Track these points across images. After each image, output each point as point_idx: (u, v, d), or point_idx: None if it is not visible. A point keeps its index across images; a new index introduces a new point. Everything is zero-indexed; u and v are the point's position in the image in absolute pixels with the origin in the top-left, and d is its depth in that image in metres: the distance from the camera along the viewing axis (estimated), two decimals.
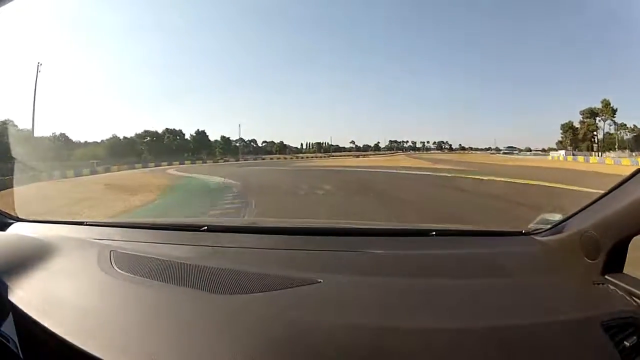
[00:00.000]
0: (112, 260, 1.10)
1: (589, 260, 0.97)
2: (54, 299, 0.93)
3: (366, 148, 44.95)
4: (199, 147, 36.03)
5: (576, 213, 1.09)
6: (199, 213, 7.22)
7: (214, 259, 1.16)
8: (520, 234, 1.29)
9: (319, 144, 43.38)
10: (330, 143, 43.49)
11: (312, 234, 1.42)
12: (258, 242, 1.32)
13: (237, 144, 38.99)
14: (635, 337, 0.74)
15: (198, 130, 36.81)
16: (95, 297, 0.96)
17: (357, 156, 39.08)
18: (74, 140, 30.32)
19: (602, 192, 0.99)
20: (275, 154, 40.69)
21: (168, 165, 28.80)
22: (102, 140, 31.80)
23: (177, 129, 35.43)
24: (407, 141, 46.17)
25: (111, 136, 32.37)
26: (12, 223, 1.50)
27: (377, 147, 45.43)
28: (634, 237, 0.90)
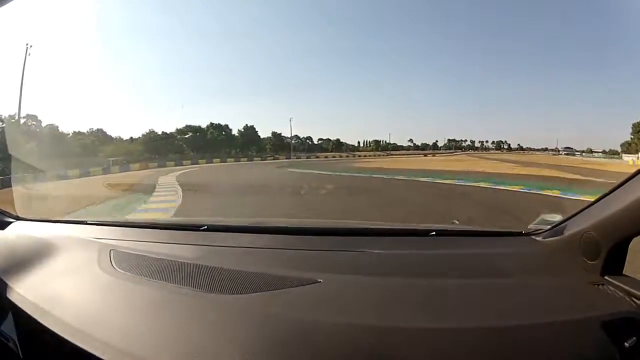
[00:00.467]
0: (112, 260, 1.10)
1: (588, 261, 0.97)
2: (54, 298, 0.93)
3: (424, 147, 43.97)
4: (247, 143, 34.00)
5: (576, 214, 1.09)
6: None
7: (214, 258, 1.16)
8: (520, 234, 1.29)
9: (377, 141, 41.99)
10: (388, 141, 42.19)
11: (312, 234, 1.42)
12: (258, 242, 1.32)
13: (291, 141, 36.79)
14: (635, 338, 0.74)
15: (246, 125, 34.34)
16: (95, 297, 0.95)
17: (425, 155, 37.60)
18: (113, 136, 29.28)
19: (603, 193, 0.99)
20: (331, 151, 39.09)
21: (207, 162, 27.61)
22: (138, 137, 29.83)
23: (223, 124, 33.15)
24: (466, 140, 45.40)
25: (148, 131, 30.31)
26: (12, 222, 1.50)
27: (435, 146, 44.53)
28: (634, 238, 0.90)
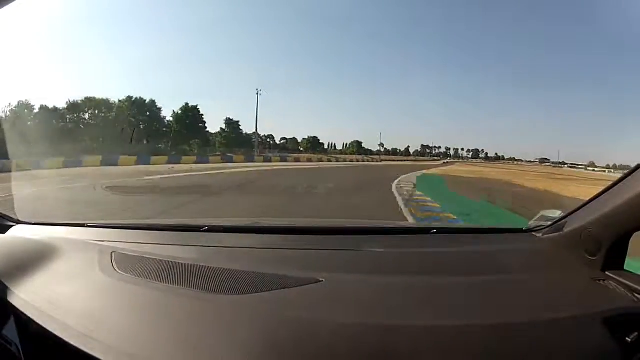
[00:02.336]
0: (114, 262, 1.10)
1: (589, 257, 0.97)
2: (55, 301, 0.93)
3: (395, 152, 42.55)
4: (186, 133, 24.45)
5: (576, 210, 1.09)
6: None
7: (215, 259, 1.16)
8: (520, 231, 1.29)
9: (359, 143, 39.82)
10: (361, 145, 40.12)
11: (313, 233, 1.42)
12: (259, 242, 1.32)
13: (257, 137, 29.01)
14: (636, 333, 0.74)
15: (187, 105, 23.80)
16: (97, 299, 0.95)
17: (416, 160, 36.98)
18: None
19: (603, 189, 0.99)
20: (304, 152, 34.83)
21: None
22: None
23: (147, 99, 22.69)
24: (439, 147, 44.41)
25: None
26: (13, 225, 1.50)
27: (407, 152, 43.29)
28: (635, 234, 0.90)
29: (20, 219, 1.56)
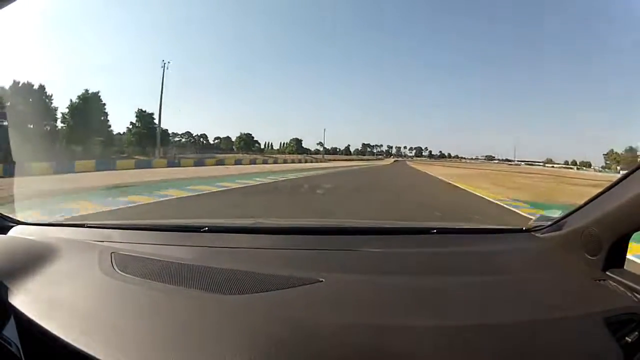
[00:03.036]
0: (114, 262, 1.10)
1: (590, 257, 0.97)
2: (55, 301, 0.93)
3: (335, 151, 41.35)
4: (77, 136, 18.40)
5: (577, 210, 1.09)
6: None
7: (215, 259, 1.16)
8: (521, 231, 1.29)
9: (298, 141, 38.11)
10: (301, 143, 38.29)
11: (313, 234, 1.42)
12: (259, 242, 1.32)
13: (158, 128, 21.16)
14: (637, 333, 0.75)
15: (86, 92, 17.64)
16: (97, 299, 0.95)
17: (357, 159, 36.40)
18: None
19: (603, 188, 0.99)
20: (237, 152, 32.24)
21: None
22: None
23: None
24: (381, 145, 43.71)
25: None
26: (13, 226, 1.50)
27: (347, 151, 42.28)
28: (635, 233, 0.90)
29: (20, 219, 1.56)
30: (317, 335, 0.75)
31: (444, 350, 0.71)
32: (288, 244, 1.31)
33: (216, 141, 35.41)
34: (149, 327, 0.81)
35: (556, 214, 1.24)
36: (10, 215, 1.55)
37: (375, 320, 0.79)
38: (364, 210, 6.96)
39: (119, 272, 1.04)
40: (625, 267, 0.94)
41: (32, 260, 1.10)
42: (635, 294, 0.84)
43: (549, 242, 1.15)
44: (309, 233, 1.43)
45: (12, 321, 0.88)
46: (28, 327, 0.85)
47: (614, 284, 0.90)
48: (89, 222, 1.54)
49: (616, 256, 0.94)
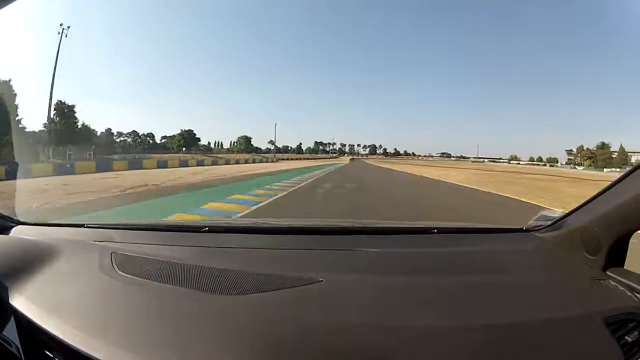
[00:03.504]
0: (114, 262, 1.10)
1: (589, 256, 0.97)
2: (55, 302, 0.93)
3: (286, 150, 40.00)
4: None
5: (577, 209, 1.09)
6: None
7: (215, 259, 1.16)
8: (521, 230, 1.29)
9: (247, 139, 36.54)
10: (250, 141, 36.28)
11: (313, 233, 1.42)
12: (259, 242, 1.32)
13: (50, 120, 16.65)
14: (637, 333, 0.75)
15: None
16: (97, 300, 0.96)
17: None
18: None
19: (603, 188, 0.99)
20: (176, 151, 30.39)
21: None
22: None
23: None
24: (334, 143, 42.98)
25: None
26: (13, 226, 1.50)
27: (299, 149, 41.10)
28: (635, 233, 0.90)
29: (20, 219, 1.56)
30: (317, 335, 0.75)
31: (444, 350, 0.71)
32: (288, 244, 1.31)
33: (163, 140, 33.87)
34: (149, 327, 0.81)
35: (556, 213, 1.25)
36: (11, 216, 1.55)
37: (375, 320, 0.79)
38: None
39: (119, 272, 1.04)
40: (625, 267, 0.94)
41: (32, 260, 1.10)
42: (636, 294, 0.84)
43: (548, 242, 1.15)
44: (308, 233, 1.43)
45: (12, 321, 0.88)
46: (28, 327, 0.85)
47: (614, 283, 0.90)
48: (88, 223, 1.54)
49: (616, 256, 0.93)
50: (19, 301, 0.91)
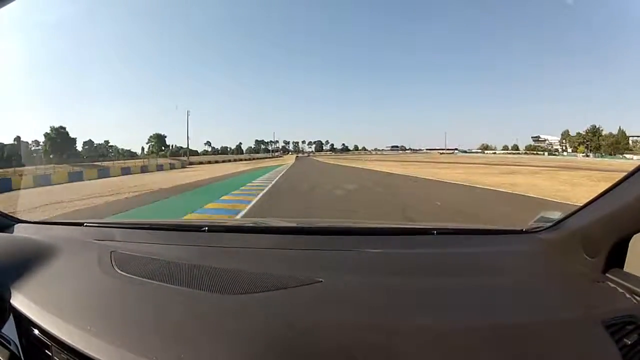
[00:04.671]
0: (113, 261, 1.10)
1: (589, 258, 0.97)
2: (54, 300, 0.93)
3: (224, 151, 37.62)
4: None
5: (577, 211, 1.09)
6: None
7: (215, 259, 1.16)
8: (520, 232, 1.29)
9: (160, 136, 32.20)
10: (176, 144, 33.18)
11: (313, 234, 1.42)
12: (258, 242, 1.32)
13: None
14: (636, 335, 0.74)
15: None
16: (96, 299, 0.96)
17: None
18: None
19: (603, 190, 0.98)
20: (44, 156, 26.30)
21: None
22: None
23: None
24: (277, 141, 41.17)
25: None
26: (13, 225, 1.51)
27: (239, 150, 39.04)
28: (635, 235, 0.89)
29: (20, 218, 1.56)
30: (316, 336, 0.75)
31: (443, 352, 0.71)
32: (288, 244, 1.31)
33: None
34: (148, 327, 0.81)
35: (555, 215, 1.24)
36: (10, 214, 1.56)
37: (375, 321, 0.80)
38: None
39: (118, 271, 1.04)
40: (625, 269, 0.94)
41: (32, 258, 1.11)
42: (635, 296, 0.84)
43: (548, 244, 1.15)
44: (308, 233, 1.43)
45: (11, 320, 0.88)
46: (27, 326, 0.85)
47: (614, 285, 0.90)
48: (88, 221, 1.54)
49: (616, 258, 0.93)
50: (19, 299, 0.91)
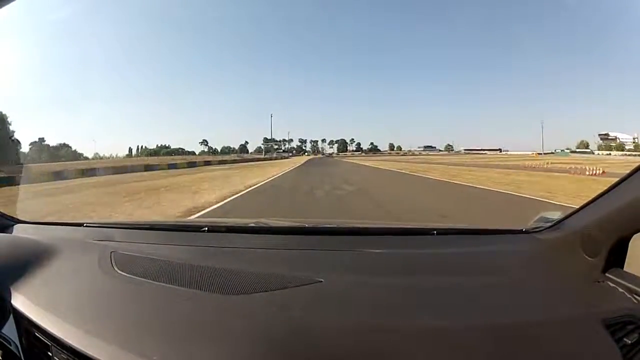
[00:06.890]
0: (113, 262, 1.10)
1: (589, 258, 0.97)
2: (54, 300, 0.93)
3: (228, 150, 34.03)
4: None
5: (577, 211, 1.09)
6: None
7: (215, 259, 1.16)
8: (520, 232, 1.29)
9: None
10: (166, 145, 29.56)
11: (313, 234, 1.42)
12: (258, 242, 1.32)
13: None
14: (636, 335, 0.74)
15: None
16: (96, 299, 0.96)
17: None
18: None
19: (603, 189, 0.98)
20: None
21: None
22: None
23: None
24: (291, 140, 37.14)
25: None
26: (13, 225, 1.51)
27: (244, 149, 36.06)
28: (635, 235, 0.89)
29: (20, 218, 1.56)
30: (317, 336, 0.75)
31: (444, 351, 0.71)
32: (288, 244, 1.31)
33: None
34: (148, 327, 0.81)
35: (555, 215, 1.24)
36: (10, 214, 1.56)
37: (375, 321, 0.79)
38: None
39: (119, 271, 1.04)
40: (624, 269, 0.94)
41: (32, 259, 1.11)
42: (635, 296, 0.84)
43: (548, 243, 1.15)
44: (309, 233, 1.43)
45: (11, 320, 0.88)
46: (27, 326, 0.85)
47: (614, 285, 0.89)
48: (88, 222, 1.54)
49: (616, 258, 0.93)
50: (18, 300, 0.91)
